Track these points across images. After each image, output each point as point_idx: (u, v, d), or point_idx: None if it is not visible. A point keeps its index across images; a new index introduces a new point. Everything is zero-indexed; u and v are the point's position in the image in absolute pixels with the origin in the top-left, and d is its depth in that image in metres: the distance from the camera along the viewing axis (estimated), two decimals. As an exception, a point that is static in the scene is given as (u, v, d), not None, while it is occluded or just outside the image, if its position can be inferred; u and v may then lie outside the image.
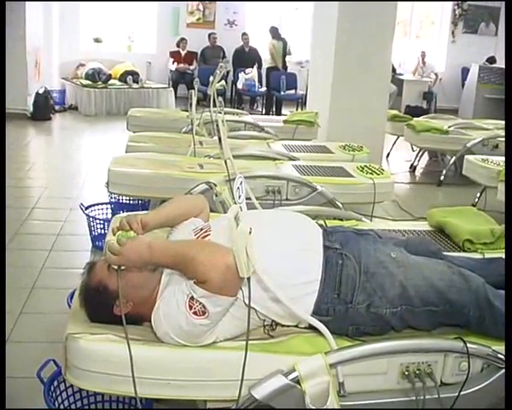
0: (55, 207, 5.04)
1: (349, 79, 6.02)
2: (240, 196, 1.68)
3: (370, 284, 1.92)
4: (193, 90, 4.56)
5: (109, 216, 4.45)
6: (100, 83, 10.21)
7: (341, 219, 3.35)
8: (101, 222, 4.20)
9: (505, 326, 1.84)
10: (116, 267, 1.83)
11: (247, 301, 1.77)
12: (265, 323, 1.92)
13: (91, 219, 4.21)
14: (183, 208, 2.27)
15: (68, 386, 2.18)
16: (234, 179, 3.37)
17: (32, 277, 3.59)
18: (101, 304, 1.88)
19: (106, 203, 4.53)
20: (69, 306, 2.73)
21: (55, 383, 2.15)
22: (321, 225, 2.12)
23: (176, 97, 10.85)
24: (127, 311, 1.85)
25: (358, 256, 1.96)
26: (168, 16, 12.15)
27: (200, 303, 1.72)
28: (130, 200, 4.61)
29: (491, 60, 12.47)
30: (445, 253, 2.44)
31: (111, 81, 10.45)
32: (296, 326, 1.95)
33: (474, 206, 5.41)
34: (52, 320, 2.96)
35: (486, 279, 2.09)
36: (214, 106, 4.93)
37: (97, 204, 4.46)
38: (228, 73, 11.47)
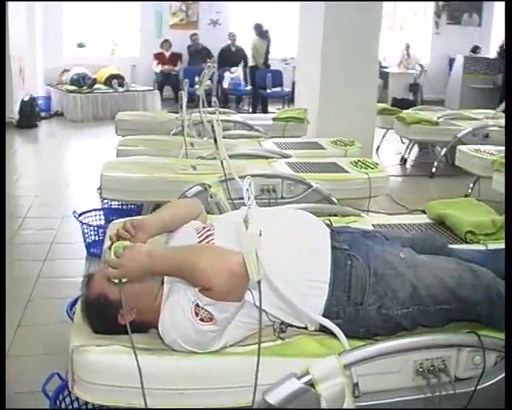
0: (46, 216, 4.97)
1: (337, 74, 5.99)
2: (249, 198, 1.63)
3: (380, 286, 1.88)
4: (183, 92, 4.50)
5: (102, 222, 4.40)
6: (85, 88, 10.12)
7: (335, 215, 3.31)
8: (95, 229, 4.14)
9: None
10: (117, 281, 1.77)
11: (255, 304, 1.74)
12: (274, 326, 1.88)
13: (85, 226, 4.14)
14: (182, 212, 2.21)
15: (74, 399, 2.13)
16: (230, 180, 3.37)
17: (27, 288, 3.52)
18: (104, 316, 1.83)
19: (98, 209, 4.47)
20: (69, 316, 2.68)
21: (60, 396, 2.10)
22: (328, 225, 2.08)
23: (162, 99, 10.80)
24: (132, 319, 1.79)
25: (367, 257, 1.93)
26: (151, 18, 12.06)
27: (206, 310, 1.68)
28: (122, 205, 4.55)
29: (475, 49, 12.54)
30: (450, 246, 2.42)
31: (96, 86, 10.37)
32: (305, 328, 1.91)
33: (468, 196, 5.41)
34: (52, 331, 2.89)
35: (495, 272, 2.06)
36: (204, 106, 4.91)
37: (90, 211, 4.39)
38: (213, 72, 11.42)
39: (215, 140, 3.01)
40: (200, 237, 1.97)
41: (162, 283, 1.87)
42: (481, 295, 1.94)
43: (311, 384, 1.71)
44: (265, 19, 12.39)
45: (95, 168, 5.99)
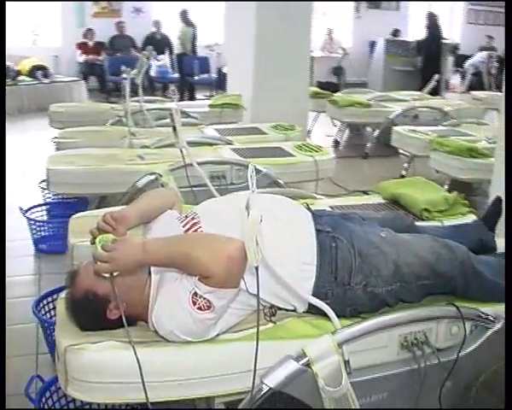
0: (-17, 214, 4.77)
1: (270, 60, 6.02)
2: (253, 184, 1.64)
3: (366, 265, 1.94)
4: (125, 81, 4.42)
5: (46, 218, 4.27)
6: (9, 80, 9.72)
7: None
8: (43, 224, 4.03)
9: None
10: (108, 275, 1.73)
11: (249, 290, 1.76)
12: (264, 310, 1.90)
13: (32, 221, 4.02)
14: (159, 202, 2.20)
15: (56, 400, 2.07)
16: (180, 168, 3.36)
17: (-21, 290, 3.38)
18: (93, 312, 1.79)
19: (44, 204, 4.34)
20: (36, 315, 2.61)
21: (43, 399, 2.03)
22: (307, 209, 2.11)
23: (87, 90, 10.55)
24: (121, 313, 1.76)
25: (350, 238, 1.98)
26: (72, 7, 11.68)
27: (205, 299, 1.68)
28: (64, 198, 4.41)
29: (395, 32, 12.92)
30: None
31: (20, 77, 9.98)
32: (293, 311, 1.94)
33: (404, 176, 5.59)
34: (17, 332, 2.79)
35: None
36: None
37: (36, 206, 4.25)
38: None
39: (174, 128, 2.98)
40: (184, 226, 1.96)
41: (149, 273, 1.86)
42: (457, 270, 2.03)
43: (308, 365, 1.75)
44: (191, 4, 12.21)
45: (29, 163, 5.81)
